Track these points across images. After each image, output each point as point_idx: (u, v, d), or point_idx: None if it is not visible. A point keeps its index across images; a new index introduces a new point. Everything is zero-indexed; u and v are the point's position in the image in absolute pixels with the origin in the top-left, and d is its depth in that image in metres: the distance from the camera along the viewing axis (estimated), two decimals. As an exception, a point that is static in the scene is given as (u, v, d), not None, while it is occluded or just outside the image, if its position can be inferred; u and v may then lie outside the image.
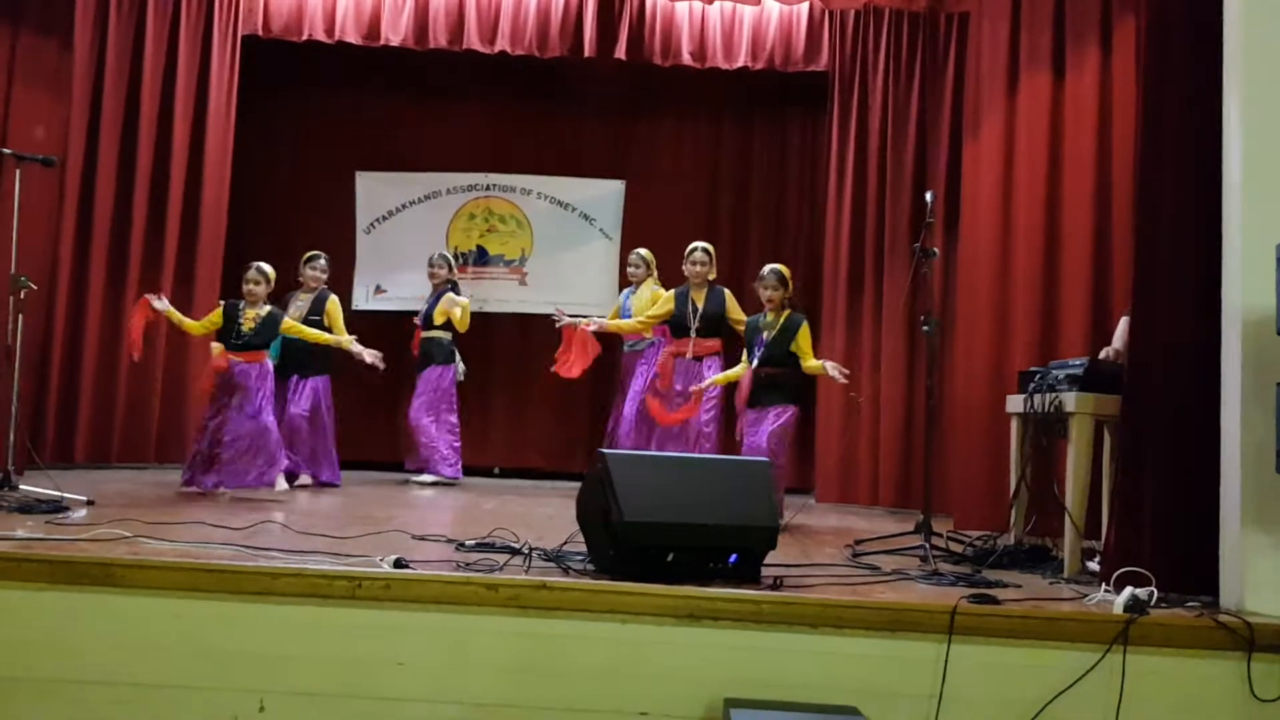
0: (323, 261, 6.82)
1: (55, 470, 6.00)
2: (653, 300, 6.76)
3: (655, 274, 7.05)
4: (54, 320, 6.78)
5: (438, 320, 7.01)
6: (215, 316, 5.89)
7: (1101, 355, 4.50)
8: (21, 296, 4.88)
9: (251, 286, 5.87)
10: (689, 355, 6.26)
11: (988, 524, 5.25)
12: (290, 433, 6.41)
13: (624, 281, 7.45)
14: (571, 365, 6.67)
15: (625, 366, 7.16)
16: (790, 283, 5.72)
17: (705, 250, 6.35)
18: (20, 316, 4.86)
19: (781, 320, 5.61)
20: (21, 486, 4.70)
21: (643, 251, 7.10)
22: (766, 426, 5.47)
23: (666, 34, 7.73)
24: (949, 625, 3.12)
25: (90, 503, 4.66)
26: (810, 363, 5.57)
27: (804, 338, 5.59)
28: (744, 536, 3.52)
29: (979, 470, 5.80)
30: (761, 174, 8.55)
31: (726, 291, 6.39)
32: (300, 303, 6.68)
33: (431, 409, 6.98)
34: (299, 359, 6.51)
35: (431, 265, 7.15)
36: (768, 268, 5.77)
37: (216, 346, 5.84)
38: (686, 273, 6.34)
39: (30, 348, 6.09)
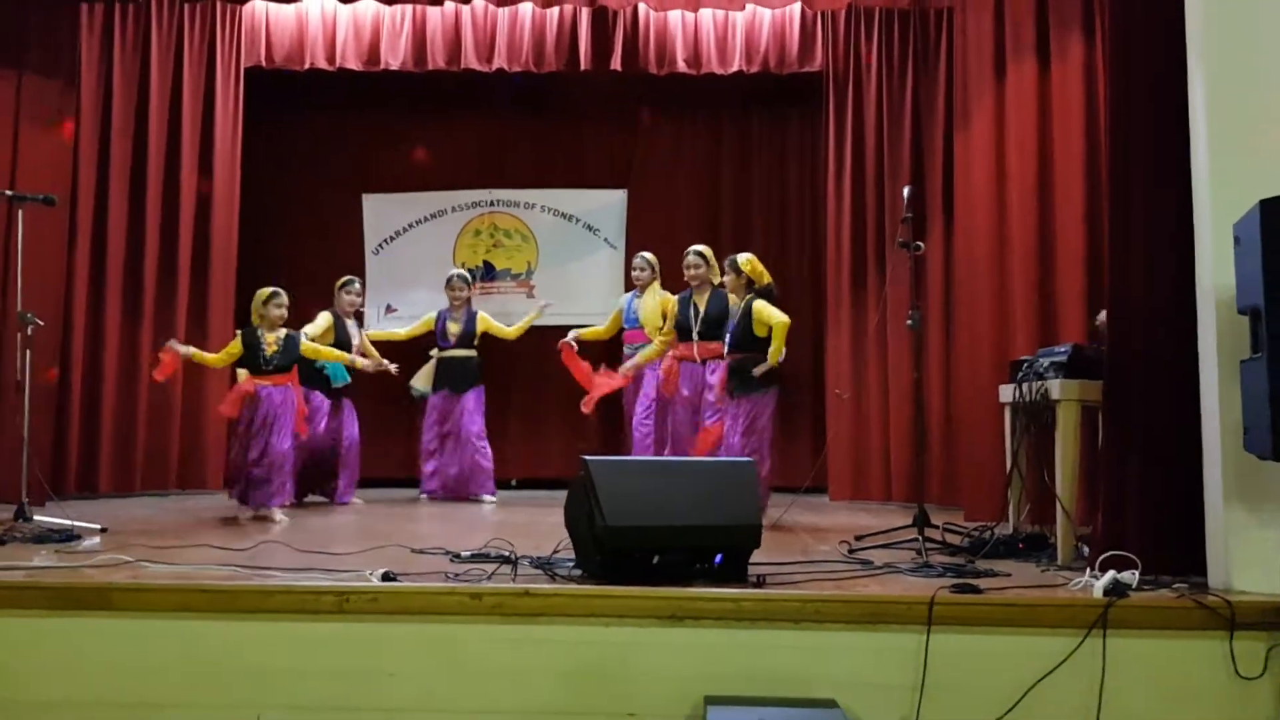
0: (358, 285, 7.04)
1: (80, 501, 6.17)
2: (660, 306, 6.80)
3: (659, 278, 7.06)
4: (71, 354, 6.94)
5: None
6: (234, 346, 5.99)
7: (1098, 321, 4.51)
8: (29, 333, 5.01)
9: (277, 311, 5.98)
10: (696, 358, 6.29)
11: (996, 515, 5.24)
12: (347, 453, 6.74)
13: (629, 287, 7.46)
14: (590, 395, 6.75)
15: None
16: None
17: (698, 254, 6.37)
18: (29, 353, 4.99)
19: (743, 303, 5.75)
20: (37, 517, 4.82)
21: (648, 255, 7.12)
22: (741, 424, 5.59)
23: (660, 43, 7.79)
24: (928, 616, 3.16)
25: (103, 530, 4.78)
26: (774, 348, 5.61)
27: (761, 317, 5.65)
28: (728, 536, 3.57)
29: (984, 461, 5.79)
30: (761, 175, 8.58)
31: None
32: (351, 327, 6.91)
33: (481, 430, 7.14)
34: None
35: (451, 286, 7.26)
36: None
37: (242, 373, 5.96)
38: (686, 278, 6.40)
39: (49, 383, 6.29)
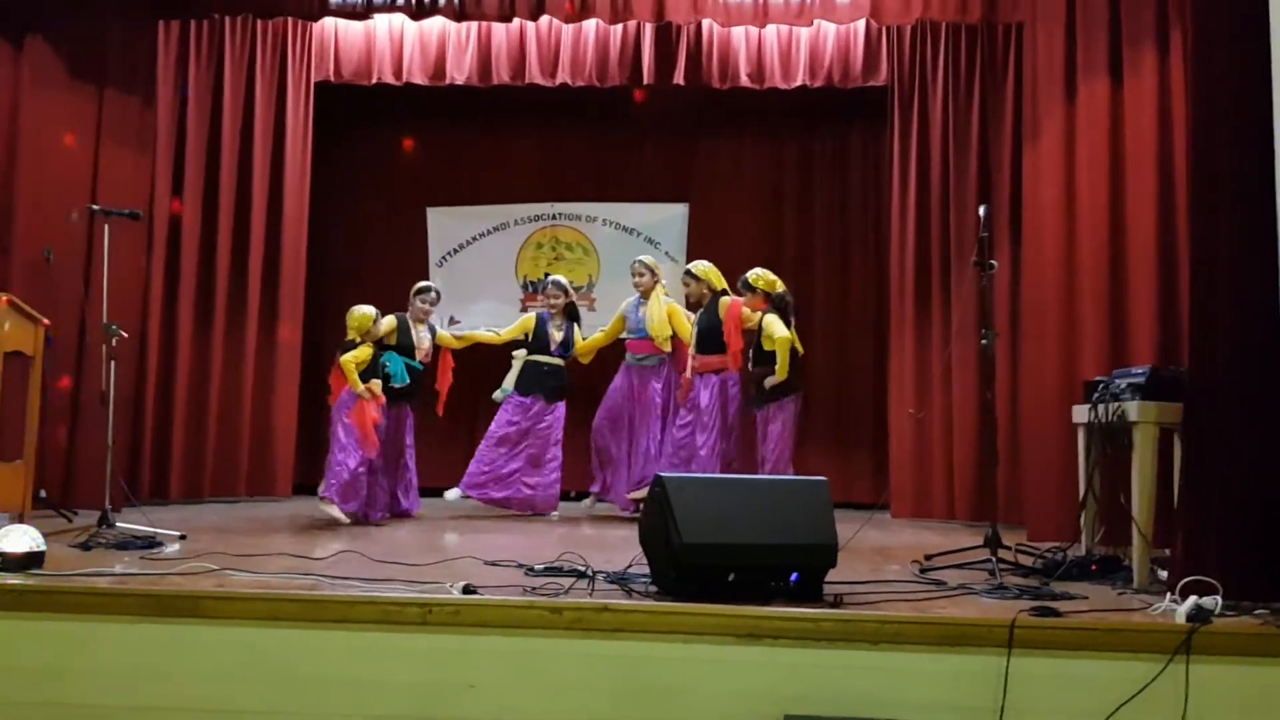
0: (434, 294, 6.83)
1: (152, 507, 6.29)
2: (666, 313, 6.83)
3: (664, 283, 7.01)
4: (146, 365, 7.10)
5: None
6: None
7: None
8: (113, 344, 5.14)
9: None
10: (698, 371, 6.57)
11: (1062, 535, 5.20)
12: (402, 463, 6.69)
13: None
14: None
15: (634, 384, 7.03)
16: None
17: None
18: (113, 363, 5.12)
19: (759, 318, 6.29)
20: (119, 524, 4.93)
21: (645, 259, 7.07)
22: (759, 435, 6.30)
23: (724, 57, 7.80)
24: (1008, 639, 3.14)
25: (182, 537, 4.89)
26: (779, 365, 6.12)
27: (766, 332, 6.19)
28: (804, 555, 3.58)
29: (1052, 481, 5.73)
30: (824, 189, 8.57)
31: (722, 300, 6.53)
32: (421, 333, 6.66)
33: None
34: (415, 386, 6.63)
35: (548, 294, 7.11)
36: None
37: (376, 384, 6.16)
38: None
39: (125, 392, 6.43)
